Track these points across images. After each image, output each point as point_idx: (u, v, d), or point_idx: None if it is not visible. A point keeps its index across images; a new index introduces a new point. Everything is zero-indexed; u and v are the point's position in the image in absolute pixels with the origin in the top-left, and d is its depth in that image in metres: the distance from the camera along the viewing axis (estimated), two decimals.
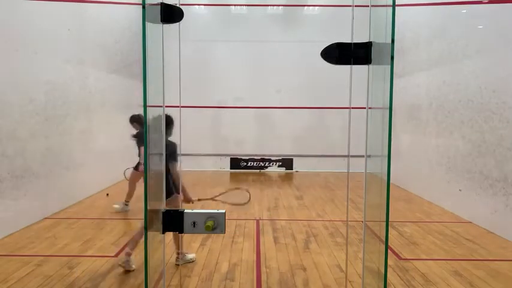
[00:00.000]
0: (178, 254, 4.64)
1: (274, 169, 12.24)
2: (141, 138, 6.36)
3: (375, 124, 1.89)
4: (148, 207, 1.74)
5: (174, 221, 1.81)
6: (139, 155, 6.46)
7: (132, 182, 6.92)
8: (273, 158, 12.25)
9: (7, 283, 4.05)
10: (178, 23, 1.86)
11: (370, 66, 1.79)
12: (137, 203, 7.53)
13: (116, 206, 6.95)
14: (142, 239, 4.68)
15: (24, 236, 5.55)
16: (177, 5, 1.85)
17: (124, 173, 7.28)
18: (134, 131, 6.54)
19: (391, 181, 1.72)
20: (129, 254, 4.40)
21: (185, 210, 1.81)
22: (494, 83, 6.04)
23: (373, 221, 1.96)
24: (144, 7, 1.62)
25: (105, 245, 5.30)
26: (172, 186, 4.53)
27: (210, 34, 11.80)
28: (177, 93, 2.52)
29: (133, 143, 6.82)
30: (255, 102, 11.88)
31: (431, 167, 8.02)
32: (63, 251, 5.05)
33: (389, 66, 1.65)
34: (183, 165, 10.85)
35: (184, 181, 4.65)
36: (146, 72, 1.70)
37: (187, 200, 4.67)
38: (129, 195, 6.97)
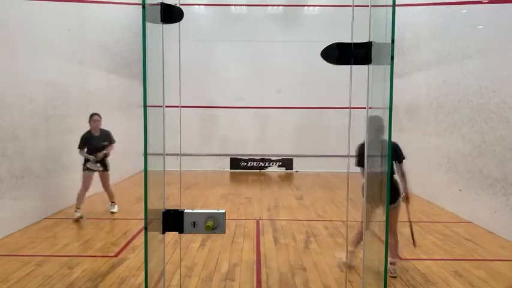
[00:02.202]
0: (390, 263, 4.33)
1: (274, 169, 12.24)
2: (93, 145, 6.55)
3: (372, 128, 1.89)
4: (148, 207, 1.74)
5: (174, 221, 1.81)
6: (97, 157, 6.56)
7: (108, 185, 6.96)
8: (273, 158, 12.25)
9: (7, 283, 4.05)
10: (178, 23, 1.86)
11: (370, 66, 1.79)
12: (138, 203, 7.53)
13: (113, 210, 6.96)
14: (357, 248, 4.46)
15: (24, 236, 5.55)
16: (177, 5, 1.85)
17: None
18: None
19: None
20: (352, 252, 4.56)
21: (185, 210, 1.81)
22: (494, 83, 6.04)
23: (373, 221, 1.96)
24: (144, 7, 1.62)
25: (105, 245, 5.30)
26: (399, 188, 4.27)
27: (210, 34, 11.80)
28: (177, 93, 2.52)
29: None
30: (255, 102, 11.88)
31: (431, 167, 8.01)
32: (63, 251, 5.05)
33: (390, 66, 1.65)
34: (183, 165, 10.86)
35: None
36: (146, 72, 1.70)
37: (407, 199, 4.36)
38: (112, 196, 7.05)
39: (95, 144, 6.61)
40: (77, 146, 6.54)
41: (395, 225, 4.34)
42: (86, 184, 6.61)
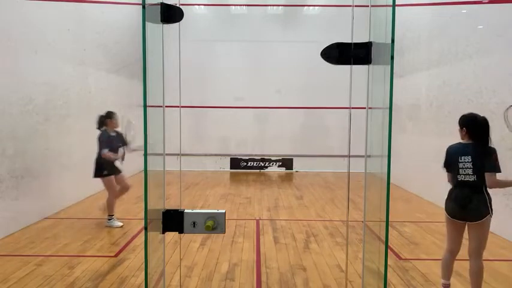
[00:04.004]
0: None
1: (274, 169, 12.24)
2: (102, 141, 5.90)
3: (375, 124, 1.90)
4: (148, 207, 1.74)
5: (174, 221, 1.81)
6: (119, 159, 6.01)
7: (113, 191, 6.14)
8: (273, 158, 12.25)
9: (7, 283, 4.05)
10: (178, 23, 1.86)
11: (370, 66, 1.79)
12: (138, 203, 7.53)
13: (118, 223, 6.12)
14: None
15: (24, 236, 5.55)
16: (177, 5, 1.85)
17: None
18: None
19: (391, 181, 1.72)
20: (447, 286, 3.77)
21: (185, 210, 1.81)
22: (494, 83, 6.04)
23: (373, 221, 1.96)
24: (144, 7, 1.62)
25: (105, 245, 5.30)
26: (488, 204, 3.50)
27: (210, 34, 11.80)
28: (177, 93, 2.52)
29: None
30: (255, 102, 11.88)
31: (431, 167, 8.00)
32: (63, 251, 5.05)
33: (390, 66, 1.65)
34: (183, 165, 10.86)
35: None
36: (146, 72, 1.70)
37: None
38: (112, 207, 6.15)
39: (116, 145, 6.04)
40: (101, 147, 5.91)
41: (479, 247, 3.55)
42: (114, 187, 6.12)
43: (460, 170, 3.60)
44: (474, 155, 3.55)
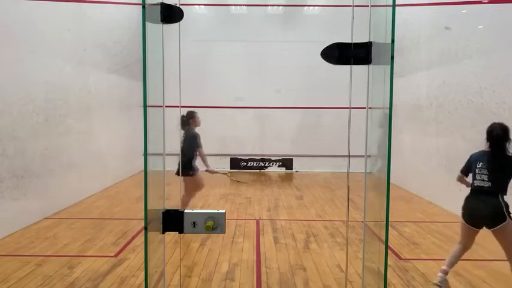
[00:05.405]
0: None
1: (274, 169, 12.24)
2: (193, 139, 5.82)
3: (375, 124, 1.89)
4: (148, 207, 1.74)
5: (174, 221, 1.81)
6: (194, 158, 5.89)
7: (188, 193, 6.09)
8: (273, 158, 12.25)
9: (7, 283, 4.05)
10: (178, 23, 1.86)
11: (370, 66, 1.79)
12: (138, 203, 7.53)
13: None
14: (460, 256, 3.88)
15: (24, 236, 5.55)
16: (177, 5, 1.85)
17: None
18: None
19: (391, 181, 1.72)
20: (445, 272, 3.93)
21: (185, 210, 1.81)
22: (494, 83, 6.04)
23: (373, 221, 1.96)
24: (144, 7, 1.62)
25: (105, 245, 5.30)
26: (504, 211, 3.60)
27: (210, 34, 11.80)
28: (177, 93, 2.52)
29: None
30: (255, 102, 11.88)
31: (431, 167, 8.01)
32: (63, 251, 5.05)
33: (390, 66, 1.65)
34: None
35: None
36: (146, 72, 1.70)
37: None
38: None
39: (192, 144, 5.94)
40: (199, 145, 5.89)
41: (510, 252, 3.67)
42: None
43: (477, 175, 3.71)
44: (491, 163, 3.65)
